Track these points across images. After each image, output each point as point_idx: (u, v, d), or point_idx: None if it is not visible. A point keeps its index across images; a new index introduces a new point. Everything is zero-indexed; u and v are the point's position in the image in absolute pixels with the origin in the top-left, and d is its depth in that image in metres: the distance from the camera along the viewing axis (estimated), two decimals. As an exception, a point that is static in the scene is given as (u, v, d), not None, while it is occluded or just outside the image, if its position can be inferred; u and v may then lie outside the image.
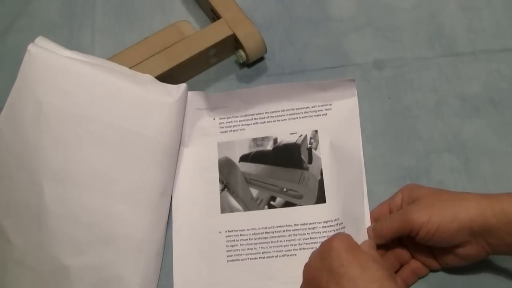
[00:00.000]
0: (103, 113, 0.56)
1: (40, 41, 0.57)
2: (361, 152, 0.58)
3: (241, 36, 0.62)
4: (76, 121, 0.55)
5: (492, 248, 0.47)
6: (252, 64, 0.65)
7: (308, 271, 0.48)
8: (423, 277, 0.54)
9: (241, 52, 0.63)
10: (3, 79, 0.61)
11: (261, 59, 0.65)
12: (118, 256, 0.55)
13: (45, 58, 0.56)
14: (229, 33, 0.62)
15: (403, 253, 0.53)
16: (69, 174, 0.55)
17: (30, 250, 0.54)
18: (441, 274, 0.54)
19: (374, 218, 0.54)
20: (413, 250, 0.53)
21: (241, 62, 0.64)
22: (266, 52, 0.64)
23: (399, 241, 0.53)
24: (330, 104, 0.61)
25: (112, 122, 0.56)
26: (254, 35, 0.62)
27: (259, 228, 0.57)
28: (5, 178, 0.55)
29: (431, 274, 0.54)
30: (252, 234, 0.57)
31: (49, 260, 0.54)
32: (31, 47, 0.56)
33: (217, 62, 0.66)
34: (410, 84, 0.63)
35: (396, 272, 0.53)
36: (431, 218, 0.47)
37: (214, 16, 0.65)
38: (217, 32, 0.62)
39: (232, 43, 0.64)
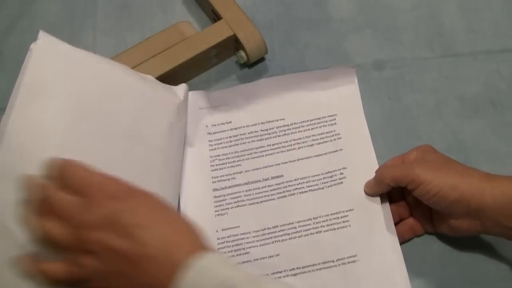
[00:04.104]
0: (110, 110, 0.55)
1: (43, 35, 0.55)
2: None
3: (241, 37, 0.62)
4: (81, 116, 0.54)
5: (485, 228, 0.49)
6: (252, 65, 0.65)
7: None
8: (418, 236, 0.55)
9: (242, 53, 0.63)
10: (5, 80, 0.61)
11: (261, 59, 0.65)
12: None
13: (55, 48, 0.54)
14: (230, 33, 0.62)
15: (403, 209, 0.55)
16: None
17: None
18: (441, 274, 0.54)
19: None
20: (413, 209, 0.55)
21: (242, 62, 0.64)
22: (266, 52, 0.64)
23: (403, 197, 0.55)
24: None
25: (119, 120, 0.55)
26: (254, 35, 0.62)
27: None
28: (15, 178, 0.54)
29: (432, 273, 0.54)
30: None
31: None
32: (41, 34, 0.53)
33: (218, 63, 0.66)
34: (410, 85, 0.63)
35: (395, 225, 0.54)
36: (434, 180, 0.48)
37: (214, 16, 0.65)
38: (218, 33, 0.62)
39: (233, 44, 0.64)
